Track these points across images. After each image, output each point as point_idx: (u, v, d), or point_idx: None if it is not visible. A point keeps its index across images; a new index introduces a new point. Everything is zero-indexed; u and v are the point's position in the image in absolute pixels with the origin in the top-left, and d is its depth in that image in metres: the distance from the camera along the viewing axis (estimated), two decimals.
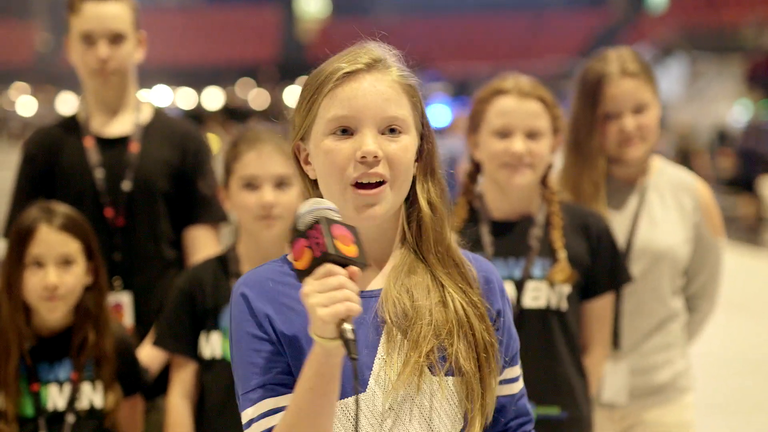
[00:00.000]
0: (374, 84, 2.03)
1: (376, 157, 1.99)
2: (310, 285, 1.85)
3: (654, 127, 3.56)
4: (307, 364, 1.91)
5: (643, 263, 3.53)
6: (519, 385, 2.17)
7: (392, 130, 2.03)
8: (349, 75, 2.03)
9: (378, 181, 2.01)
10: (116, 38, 3.65)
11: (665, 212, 3.61)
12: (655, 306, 3.59)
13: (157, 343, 3.31)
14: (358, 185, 2.01)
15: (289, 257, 2.06)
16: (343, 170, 2.01)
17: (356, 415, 1.86)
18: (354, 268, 1.87)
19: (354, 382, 1.85)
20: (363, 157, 1.99)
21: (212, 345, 3.21)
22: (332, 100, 2.03)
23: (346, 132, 2.02)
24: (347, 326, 1.83)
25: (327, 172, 2.04)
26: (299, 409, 1.91)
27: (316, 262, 1.86)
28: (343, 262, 1.86)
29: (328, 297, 1.83)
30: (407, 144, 2.04)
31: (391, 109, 2.02)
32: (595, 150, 3.56)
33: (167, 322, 3.28)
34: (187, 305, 3.23)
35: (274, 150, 3.19)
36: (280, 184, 3.19)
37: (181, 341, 3.24)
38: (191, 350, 3.23)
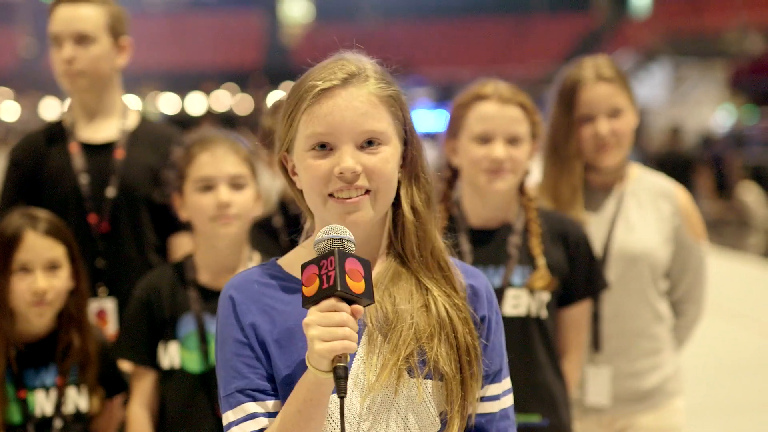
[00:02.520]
0: (350, 100, 2.05)
1: (355, 172, 2.02)
2: (313, 315, 1.89)
3: (628, 133, 3.59)
4: (298, 387, 1.95)
5: (621, 267, 3.56)
6: (501, 405, 2.17)
7: (371, 143, 2.05)
8: (325, 92, 2.05)
9: (359, 194, 2.03)
10: (82, 39, 3.65)
11: (642, 216, 3.64)
12: (637, 309, 3.60)
13: (116, 352, 3.28)
14: (338, 198, 2.03)
15: (281, 260, 2.12)
16: (323, 186, 2.04)
17: None
18: (358, 306, 1.90)
19: (340, 420, 1.88)
20: (341, 173, 2.01)
21: (170, 355, 3.19)
22: (310, 117, 2.05)
23: (325, 147, 2.04)
24: (342, 364, 1.86)
25: (308, 187, 2.07)
26: (285, 430, 1.96)
27: (322, 294, 1.89)
28: (350, 298, 1.90)
29: (328, 332, 1.87)
30: (387, 155, 2.06)
31: (367, 123, 2.04)
32: (572, 155, 3.59)
33: (125, 331, 3.26)
34: (144, 314, 3.21)
35: (228, 150, 3.18)
36: (235, 184, 3.18)
37: (139, 351, 3.21)
38: (150, 360, 3.21)
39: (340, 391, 1.86)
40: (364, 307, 1.92)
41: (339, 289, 1.88)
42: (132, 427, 3.22)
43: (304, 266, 1.94)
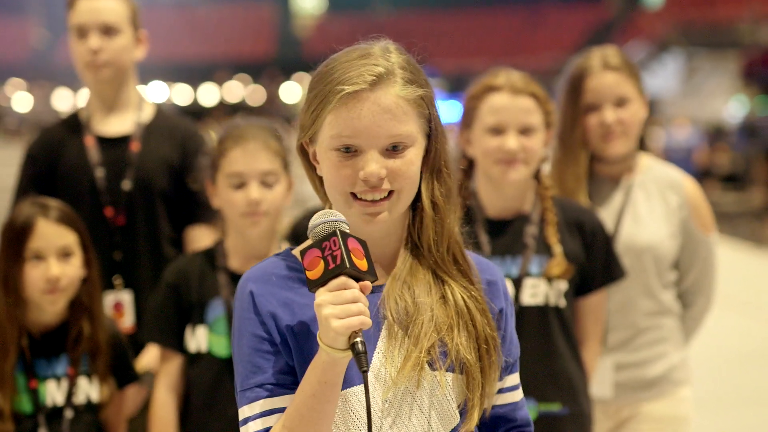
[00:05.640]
0: (377, 104, 2.02)
1: (379, 177, 2.01)
2: (323, 296, 1.89)
3: (635, 122, 3.60)
4: (310, 370, 1.95)
5: (628, 259, 3.55)
6: (519, 394, 2.19)
7: (396, 147, 2.04)
8: (351, 94, 2.02)
9: (383, 196, 2.03)
10: (108, 31, 3.66)
11: (650, 209, 3.64)
12: (643, 301, 3.61)
13: (144, 335, 3.32)
14: (362, 200, 2.03)
15: (295, 251, 2.12)
16: (346, 186, 2.04)
17: (369, 428, 1.89)
18: (367, 283, 1.92)
19: (365, 395, 1.88)
20: (366, 179, 2.01)
21: (198, 339, 3.21)
22: (336, 118, 2.03)
23: (350, 149, 2.03)
24: (359, 339, 1.87)
25: (331, 184, 2.07)
26: (300, 414, 1.95)
27: (329, 274, 1.90)
28: (357, 275, 1.91)
29: (342, 309, 1.87)
30: (412, 157, 2.05)
31: (394, 128, 2.03)
32: (578, 143, 3.60)
33: (153, 314, 3.29)
34: (173, 298, 3.24)
35: (260, 147, 3.18)
36: (266, 180, 3.19)
37: (167, 334, 3.25)
38: (177, 343, 3.24)
39: (362, 365, 1.86)
40: (371, 282, 1.94)
41: (348, 267, 1.89)
42: (156, 410, 3.25)
43: (303, 252, 1.95)
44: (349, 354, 1.88)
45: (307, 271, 1.93)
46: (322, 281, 1.91)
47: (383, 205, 2.03)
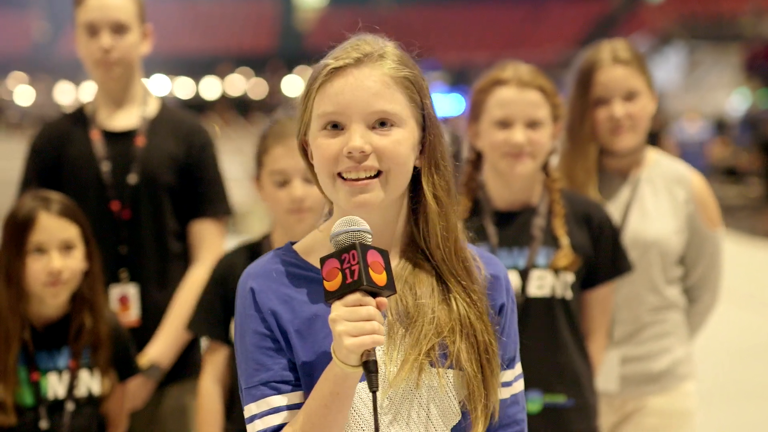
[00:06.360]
0: (361, 79, 2.02)
1: (363, 152, 1.99)
2: (338, 311, 1.87)
3: (644, 116, 3.59)
4: (322, 381, 1.93)
5: (634, 253, 3.54)
6: (512, 390, 2.15)
7: (383, 124, 2.02)
8: (337, 71, 2.02)
9: (369, 175, 2.01)
10: (119, 28, 3.65)
11: (657, 203, 3.63)
12: (649, 295, 3.60)
13: (190, 327, 3.34)
14: (347, 178, 2.01)
15: (293, 248, 2.11)
16: (332, 164, 2.01)
17: None
18: (383, 299, 1.89)
19: (374, 414, 1.87)
20: (350, 153, 1.99)
21: None
22: (322, 96, 2.03)
23: (337, 127, 2.02)
24: (372, 359, 1.85)
25: (319, 166, 2.05)
26: (312, 423, 1.94)
27: (347, 288, 1.87)
28: (374, 291, 1.88)
29: (356, 327, 1.85)
30: (400, 137, 2.02)
31: (378, 104, 2.01)
32: (587, 137, 3.59)
33: (200, 307, 3.31)
34: (219, 291, 3.25)
35: None
36: (310, 177, 3.19)
37: (213, 326, 3.26)
38: (223, 335, 3.25)
39: (372, 385, 1.85)
40: (387, 297, 1.91)
41: (365, 283, 1.86)
42: (202, 401, 3.26)
43: (323, 260, 1.92)
44: (361, 369, 1.87)
45: (324, 282, 1.90)
46: (339, 295, 1.88)
47: (370, 184, 2.00)
